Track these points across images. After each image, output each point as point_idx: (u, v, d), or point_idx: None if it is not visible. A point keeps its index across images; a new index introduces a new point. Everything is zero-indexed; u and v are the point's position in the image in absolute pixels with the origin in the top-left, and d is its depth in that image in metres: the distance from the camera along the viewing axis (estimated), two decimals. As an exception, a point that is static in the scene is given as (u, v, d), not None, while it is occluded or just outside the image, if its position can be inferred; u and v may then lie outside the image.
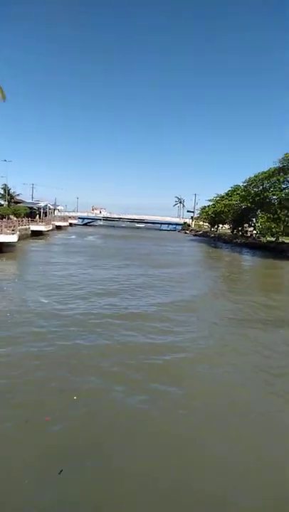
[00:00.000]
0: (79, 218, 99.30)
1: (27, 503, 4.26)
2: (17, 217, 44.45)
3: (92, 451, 5.14)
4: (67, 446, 5.19)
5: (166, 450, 5.29)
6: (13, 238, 28.77)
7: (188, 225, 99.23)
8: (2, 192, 55.57)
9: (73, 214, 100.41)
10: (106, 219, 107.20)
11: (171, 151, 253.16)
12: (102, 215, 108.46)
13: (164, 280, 19.32)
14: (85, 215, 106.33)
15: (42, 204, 62.73)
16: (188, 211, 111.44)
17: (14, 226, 31.98)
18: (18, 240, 30.68)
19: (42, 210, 61.00)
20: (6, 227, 30.94)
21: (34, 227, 46.38)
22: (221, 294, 17.31)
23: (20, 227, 37.53)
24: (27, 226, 44.17)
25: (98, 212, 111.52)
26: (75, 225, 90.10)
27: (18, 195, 61.25)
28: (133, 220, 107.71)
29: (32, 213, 54.23)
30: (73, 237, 51.79)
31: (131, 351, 8.74)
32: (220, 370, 8.09)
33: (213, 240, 62.98)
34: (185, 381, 7.43)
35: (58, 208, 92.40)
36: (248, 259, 37.00)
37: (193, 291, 16.94)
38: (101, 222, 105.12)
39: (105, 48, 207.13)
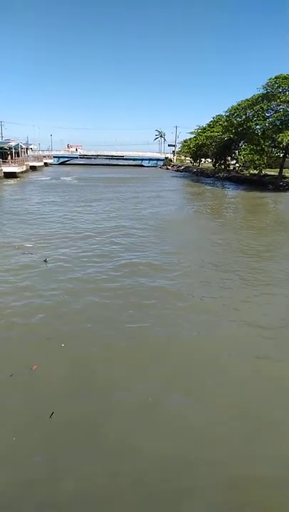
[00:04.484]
0: (54, 157, 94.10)
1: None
2: (-13, 159, 41.54)
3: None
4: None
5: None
6: (-17, 181, 27.02)
7: (170, 160, 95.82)
8: None
9: (48, 153, 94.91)
10: (83, 157, 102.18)
11: (149, 80, 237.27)
12: (78, 153, 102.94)
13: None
14: (60, 153, 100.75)
15: (13, 143, 58.35)
16: (169, 145, 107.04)
17: (-16, 168, 29.96)
18: (-10, 183, 28.85)
19: (14, 150, 57.05)
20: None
21: (6, 169, 43.77)
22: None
23: (-9, 169, 35.17)
24: (-1, 168, 41.60)
25: (74, 150, 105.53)
26: (51, 164, 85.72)
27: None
28: (112, 157, 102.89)
29: (3, 153, 50.62)
30: (48, 178, 49.25)
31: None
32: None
33: (195, 175, 61.32)
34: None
35: (31, 146, 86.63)
36: (232, 195, 36.31)
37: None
38: (78, 161, 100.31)
39: None
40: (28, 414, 4.73)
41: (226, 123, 49.30)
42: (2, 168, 42.90)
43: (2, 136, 76.83)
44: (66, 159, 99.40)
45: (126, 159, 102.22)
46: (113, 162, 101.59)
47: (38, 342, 6.45)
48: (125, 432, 4.50)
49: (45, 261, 10.89)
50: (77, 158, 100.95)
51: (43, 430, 4.48)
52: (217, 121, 56.98)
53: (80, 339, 6.59)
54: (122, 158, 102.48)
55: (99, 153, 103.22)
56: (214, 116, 59.58)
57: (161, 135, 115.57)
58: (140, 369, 5.81)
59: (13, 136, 79.17)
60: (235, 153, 53.03)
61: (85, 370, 5.74)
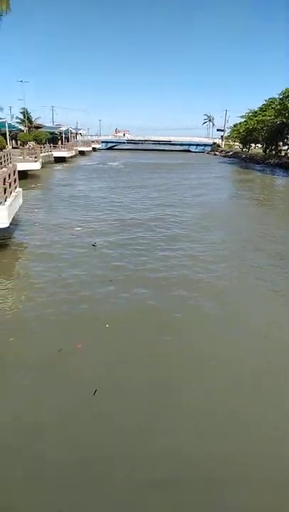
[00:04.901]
0: (102, 142, 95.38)
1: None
2: (38, 144, 43.04)
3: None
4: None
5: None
6: (36, 166, 28.04)
7: (218, 146, 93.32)
8: (21, 117, 52.83)
9: (96, 138, 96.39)
10: (130, 142, 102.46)
11: (197, 61, 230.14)
12: (126, 138, 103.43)
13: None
14: (108, 138, 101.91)
15: (63, 128, 60.10)
16: (218, 130, 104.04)
17: (37, 153, 31.07)
18: (41, 167, 29.95)
19: (64, 135, 58.73)
20: (28, 155, 30.16)
21: (56, 154, 45.17)
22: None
23: (43, 154, 36.51)
24: (49, 153, 43.03)
25: (122, 134, 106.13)
26: (99, 149, 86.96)
27: (37, 118, 57.92)
28: (159, 142, 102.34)
29: (53, 138, 52.30)
30: (95, 163, 50.06)
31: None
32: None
33: (244, 161, 59.39)
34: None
35: (80, 131, 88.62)
36: (282, 183, 34.86)
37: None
38: (125, 146, 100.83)
39: None
40: (74, 390, 5.05)
41: (278, 106, 47.14)
42: (52, 152, 44.31)
43: (53, 122, 79.01)
44: (114, 144, 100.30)
45: (173, 144, 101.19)
46: (160, 147, 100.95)
47: (83, 322, 6.83)
48: (168, 414, 4.69)
49: (93, 245, 11.29)
50: (124, 143, 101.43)
51: (88, 405, 4.77)
52: (269, 105, 54.44)
53: (124, 323, 6.87)
54: (169, 143, 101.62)
55: (146, 138, 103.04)
56: (266, 99, 56.91)
57: (209, 119, 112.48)
58: (183, 357, 5.91)
59: (64, 121, 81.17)
60: (287, 138, 50.51)
61: (127, 351, 6.00)
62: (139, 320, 7.00)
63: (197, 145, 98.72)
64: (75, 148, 57.08)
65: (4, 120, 35.45)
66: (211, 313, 7.36)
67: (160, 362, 5.75)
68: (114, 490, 3.67)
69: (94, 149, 79.27)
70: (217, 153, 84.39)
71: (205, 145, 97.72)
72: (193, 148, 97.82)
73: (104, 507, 3.53)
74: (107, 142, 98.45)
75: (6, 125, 33.98)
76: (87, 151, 68.67)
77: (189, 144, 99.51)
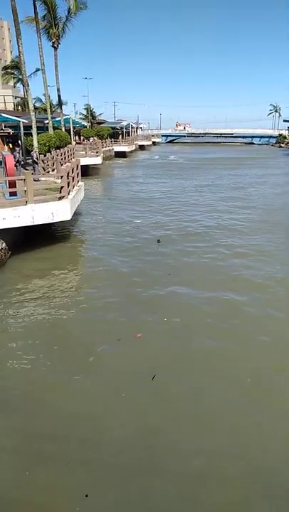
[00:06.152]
0: (162, 136, 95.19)
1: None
2: (100, 139, 44.02)
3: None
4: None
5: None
6: (97, 160, 28.69)
7: (284, 137, 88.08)
8: (85, 113, 54.33)
9: (156, 132, 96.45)
10: (191, 135, 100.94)
11: (263, 50, 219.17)
12: (186, 132, 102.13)
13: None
14: (168, 132, 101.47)
15: (124, 123, 60.81)
16: (284, 121, 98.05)
17: (98, 148, 31.71)
18: (102, 162, 30.55)
19: (124, 130, 59.43)
20: (90, 150, 30.85)
21: (117, 148, 45.91)
22: None
23: (104, 148, 37.26)
24: (110, 147, 43.84)
25: (182, 128, 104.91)
26: (159, 143, 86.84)
27: (100, 114, 59.20)
28: (220, 135, 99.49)
29: (115, 133, 53.15)
30: (156, 157, 49.71)
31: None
32: None
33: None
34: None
35: (141, 126, 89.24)
36: None
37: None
38: (185, 139, 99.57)
39: None
40: (132, 375, 5.25)
41: None
42: (113, 147, 45.10)
43: (115, 117, 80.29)
44: (174, 138, 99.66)
45: (235, 137, 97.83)
46: (221, 140, 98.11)
47: (143, 314, 7.00)
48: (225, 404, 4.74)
49: (158, 241, 11.12)
50: (184, 136, 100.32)
51: (147, 390, 4.95)
52: None
53: (183, 316, 6.85)
54: (230, 135, 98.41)
55: (207, 131, 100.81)
56: None
57: (276, 110, 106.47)
58: (240, 349, 5.89)
59: (125, 115, 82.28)
60: None
61: (184, 343, 6.05)
62: (200, 316, 6.91)
63: (261, 137, 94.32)
64: (135, 142, 57.46)
65: (69, 116, 36.64)
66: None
67: (221, 355, 5.69)
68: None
69: (154, 143, 79.31)
70: (283, 145, 79.87)
71: (270, 137, 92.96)
72: (256, 141, 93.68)
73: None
74: (167, 136, 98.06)
75: (71, 121, 35.10)
76: (147, 145, 68.90)
77: (252, 136, 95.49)
